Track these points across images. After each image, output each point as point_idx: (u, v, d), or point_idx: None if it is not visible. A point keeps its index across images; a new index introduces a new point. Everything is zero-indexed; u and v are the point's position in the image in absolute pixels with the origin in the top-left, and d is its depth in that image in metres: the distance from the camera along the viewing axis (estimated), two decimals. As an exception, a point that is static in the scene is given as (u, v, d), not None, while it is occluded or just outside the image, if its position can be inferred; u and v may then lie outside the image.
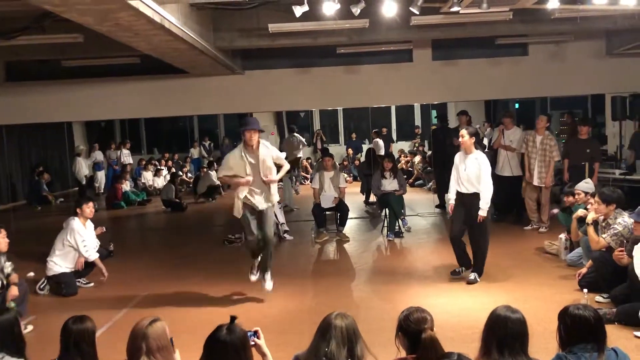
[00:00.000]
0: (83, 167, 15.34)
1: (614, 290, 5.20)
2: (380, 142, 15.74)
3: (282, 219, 8.82)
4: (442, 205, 11.12)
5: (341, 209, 9.01)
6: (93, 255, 6.69)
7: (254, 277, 6.06)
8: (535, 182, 8.55)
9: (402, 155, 17.68)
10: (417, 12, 6.25)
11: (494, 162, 9.26)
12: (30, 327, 5.38)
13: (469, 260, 6.42)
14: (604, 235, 5.62)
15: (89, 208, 6.77)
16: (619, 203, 5.71)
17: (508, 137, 9.05)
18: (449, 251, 7.52)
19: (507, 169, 9.07)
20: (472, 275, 6.24)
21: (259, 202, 5.75)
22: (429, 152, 15.28)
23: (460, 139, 6.29)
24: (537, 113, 14.29)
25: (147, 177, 16.35)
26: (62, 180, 16.56)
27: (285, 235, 8.94)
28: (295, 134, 13.78)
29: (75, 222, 6.62)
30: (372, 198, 10.87)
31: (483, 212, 6.07)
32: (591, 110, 14.84)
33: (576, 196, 6.77)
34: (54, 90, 10.53)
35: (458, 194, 6.34)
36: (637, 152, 9.96)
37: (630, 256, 4.84)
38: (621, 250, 5.16)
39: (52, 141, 16.50)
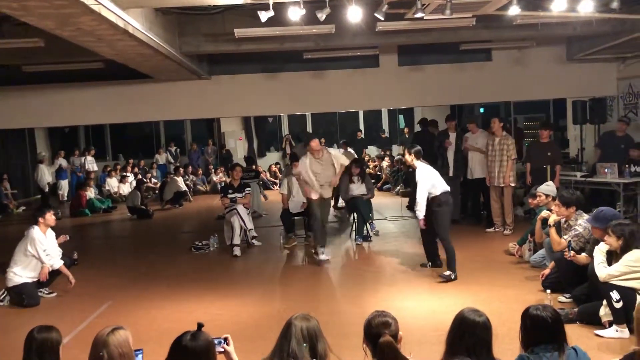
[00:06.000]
0: (45, 175, 15.00)
1: (575, 290, 5.32)
2: (352, 150, 15.84)
3: (250, 224, 8.78)
4: (413, 206, 11.23)
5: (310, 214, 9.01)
6: (57, 262, 6.54)
7: (323, 256, 7.55)
8: (496, 183, 8.74)
9: (370, 160, 17.78)
10: (382, 18, 6.32)
11: (465, 166, 9.41)
12: (-11, 340, 5.23)
13: (434, 256, 7.00)
14: (565, 237, 5.75)
15: (51, 216, 6.64)
16: (578, 205, 5.86)
17: (474, 140, 9.23)
18: (416, 255, 7.61)
19: (476, 172, 9.24)
20: (447, 272, 6.46)
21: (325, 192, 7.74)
22: (397, 157, 15.41)
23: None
24: (503, 117, 14.55)
25: (112, 184, 16.07)
26: (24, 188, 16.17)
27: (254, 241, 8.89)
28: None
29: (35, 231, 6.45)
30: (341, 203, 10.90)
31: (419, 216, 6.59)
32: (553, 115, 15.21)
33: (537, 198, 6.91)
34: (15, 95, 10.31)
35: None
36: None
37: (591, 256, 4.96)
38: (572, 255, 5.30)
39: (13, 148, 16.11)
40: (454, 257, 6.51)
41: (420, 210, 6.50)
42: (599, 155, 9.70)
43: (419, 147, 6.78)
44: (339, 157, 7.90)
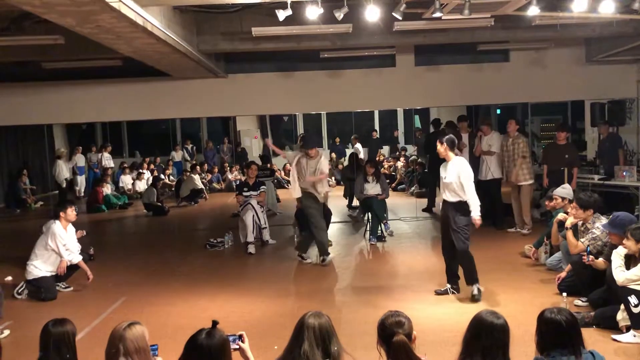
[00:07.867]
0: (63, 170, 15.15)
1: (592, 294, 5.28)
2: (360, 146, 15.88)
3: (264, 222, 8.80)
4: (430, 208, 11.17)
5: (324, 213, 9.00)
6: (76, 257, 6.63)
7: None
8: (513, 180, 8.79)
9: (385, 160, 17.74)
10: (400, 18, 6.29)
11: (476, 167, 9.39)
12: (6, 332, 5.31)
13: (454, 275, 6.07)
14: (582, 240, 5.69)
15: (72, 211, 6.72)
16: (596, 208, 5.80)
17: (487, 142, 9.22)
18: (431, 255, 7.58)
19: (489, 173, 9.22)
20: (475, 289, 5.80)
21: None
22: (412, 157, 15.35)
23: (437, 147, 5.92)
24: (519, 118, 14.41)
25: (126, 181, 16.19)
26: (42, 183, 16.34)
27: (268, 239, 8.91)
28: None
29: (57, 226, 6.54)
30: (355, 202, 10.87)
31: (475, 215, 5.72)
32: (571, 117, 15.04)
33: (553, 201, 6.85)
34: (35, 92, 10.41)
35: (443, 202, 5.99)
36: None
37: (609, 260, 4.91)
38: (591, 260, 5.25)
39: (32, 144, 16.28)
40: (474, 269, 5.87)
41: (476, 207, 5.65)
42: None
43: (452, 137, 5.88)
44: (323, 165, 7.75)
